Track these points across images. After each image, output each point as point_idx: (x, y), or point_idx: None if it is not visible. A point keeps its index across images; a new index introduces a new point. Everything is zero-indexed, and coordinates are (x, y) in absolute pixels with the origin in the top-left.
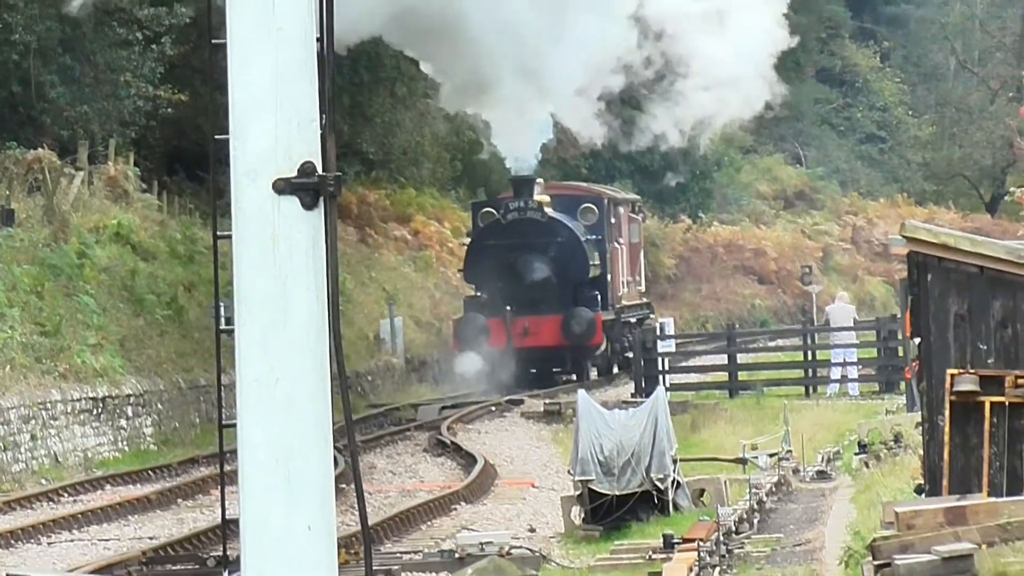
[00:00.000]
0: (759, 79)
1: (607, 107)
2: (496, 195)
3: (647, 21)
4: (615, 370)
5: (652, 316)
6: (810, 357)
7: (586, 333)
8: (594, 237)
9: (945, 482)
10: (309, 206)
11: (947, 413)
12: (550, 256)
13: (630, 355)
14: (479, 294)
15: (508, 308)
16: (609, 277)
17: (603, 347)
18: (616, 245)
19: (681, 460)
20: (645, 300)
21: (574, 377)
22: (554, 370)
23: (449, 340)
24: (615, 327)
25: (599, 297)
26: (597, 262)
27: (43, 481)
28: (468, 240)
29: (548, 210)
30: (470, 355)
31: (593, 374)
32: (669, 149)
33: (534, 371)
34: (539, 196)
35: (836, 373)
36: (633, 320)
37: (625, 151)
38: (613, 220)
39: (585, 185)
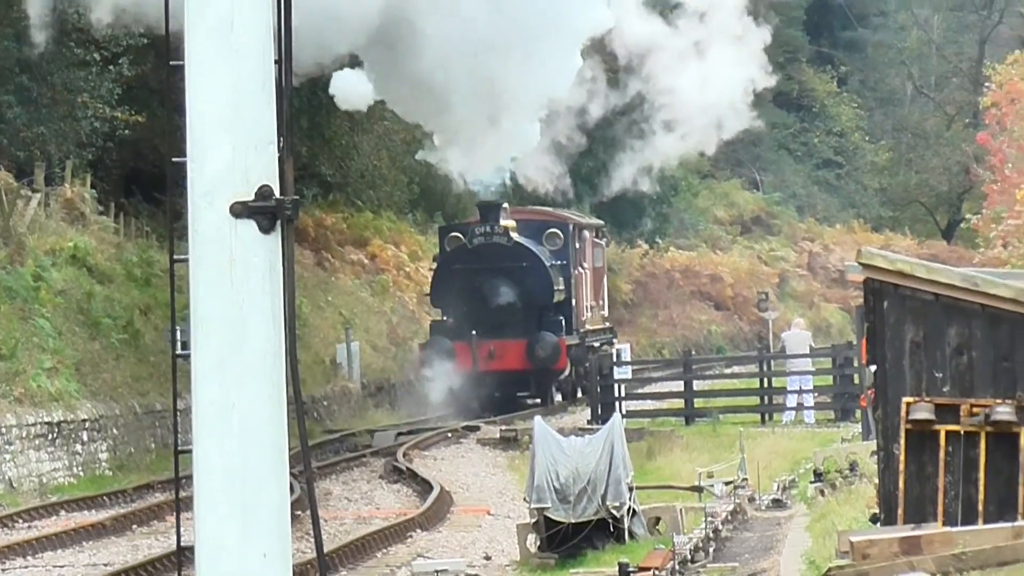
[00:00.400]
0: (731, 112)
1: (568, 144)
2: (454, 219)
3: (615, 54)
4: (579, 394)
5: (615, 340)
6: (766, 384)
7: (550, 357)
8: (559, 262)
9: (900, 511)
10: (266, 230)
11: (902, 441)
12: (515, 280)
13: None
14: (445, 318)
15: (474, 332)
16: (574, 302)
17: (567, 371)
18: (580, 270)
19: (637, 488)
20: (608, 325)
21: (539, 401)
22: (519, 394)
23: (413, 363)
24: (579, 351)
25: (563, 322)
26: (562, 287)
27: None
28: (435, 264)
29: (514, 235)
30: (436, 378)
31: (558, 398)
32: (634, 189)
33: (498, 395)
34: (505, 221)
35: (792, 401)
36: (596, 344)
37: (589, 195)
38: (578, 245)
39: (551, 210)
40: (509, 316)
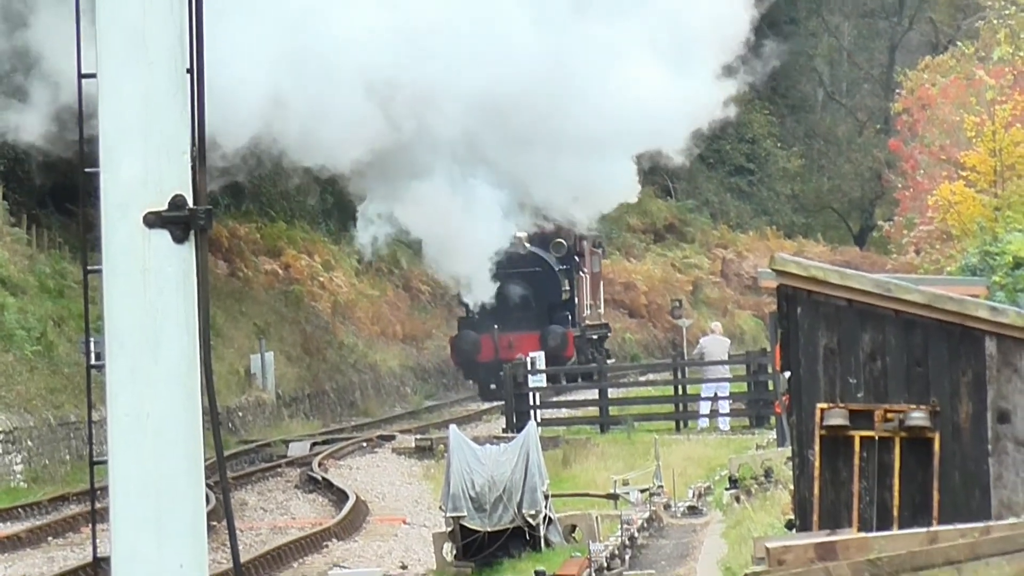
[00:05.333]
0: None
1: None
2: None
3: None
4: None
5: (609, 335)
6: (681, 391)
7: (560, 346)
8: (564, 267)
9: (815, 517)
10: (180, 239)
11: (817, 447)
12: (529, 282)
13: (592, 365)
14: (471, 314)
15: (495, 326)
16: (576, 300)
17: (573, 359)
18: (582, 274)
19: (553, 496)
20: (604, 321)
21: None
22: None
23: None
24: (581, 342)
25: (569, 316)
26: (567, 288)
27: None
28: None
29: (527, 244)
30: (463, 365)
31: (563, 381)
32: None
33: None
34: (519, 233)
35: (705, 408)
36: (595, 337)
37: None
38: (579, 253)
39: (557, 223)
40: (524, 312)
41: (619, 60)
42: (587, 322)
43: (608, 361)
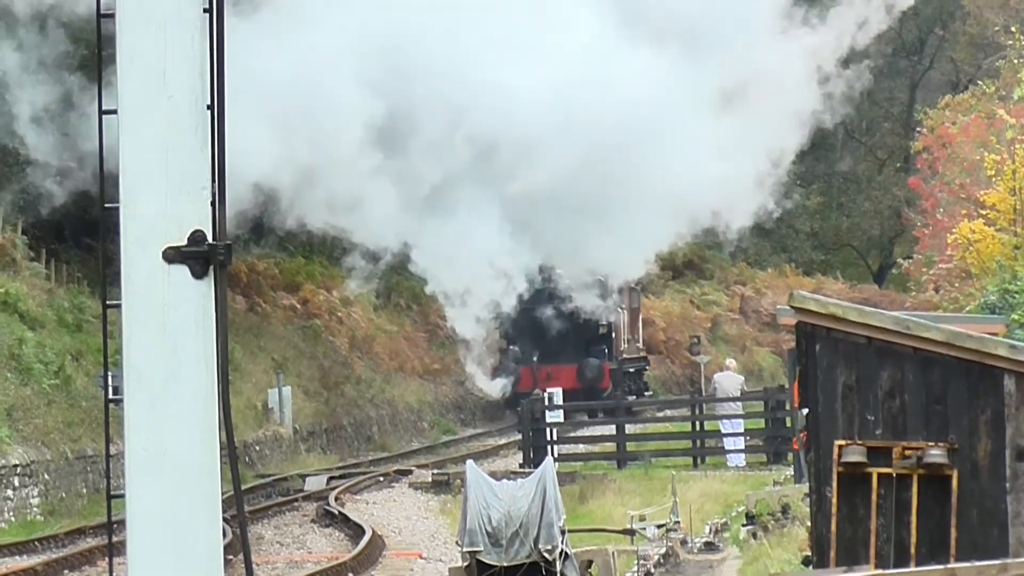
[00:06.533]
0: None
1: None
2: None
3: None
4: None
5: (648, 367)
6: (698, 427)
7: (596, 378)
8: (602, 302)
9: (832, 554)
10: (199, 275)
11: (834, 484)
12: (568, 316)
13: (631, 397)
14: (513, 347)
15: (535, 359)
16: (613, 334)
17: (609, 390)
18: (620, 309)
19: (569, 531)
20: (643, 354)
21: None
22: None
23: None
24: (617, 374)
25: (606, 350)
26: (604, 322)
27: None
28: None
29: (567, 281)
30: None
31: (600, 414)
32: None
33: None
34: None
35: (730, 444)
36: (632, 370)
37: None
38: (617, 288)
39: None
40: (563, 345)
41: (679, 129)
42: (624, 355)
43: (646, 393)
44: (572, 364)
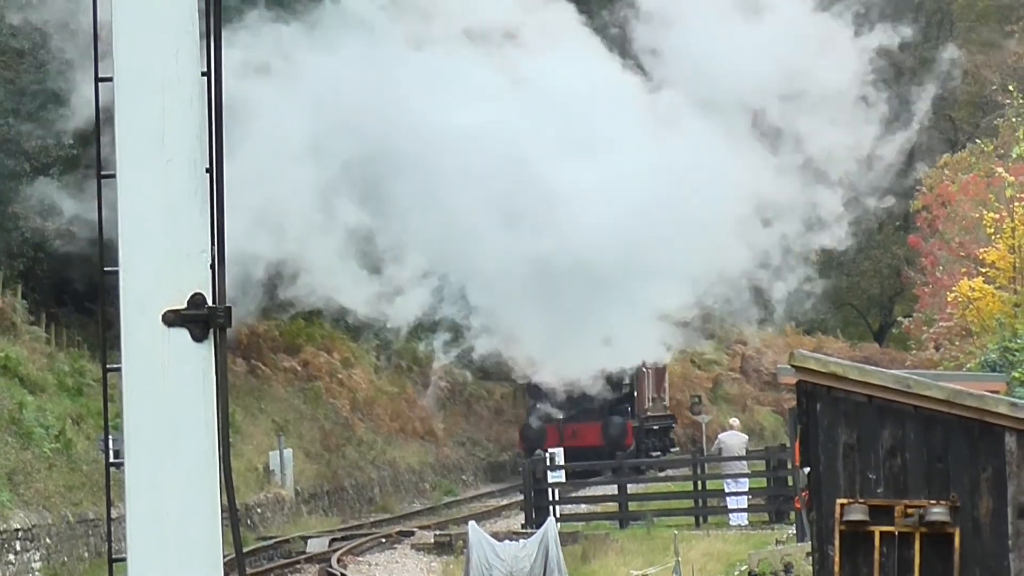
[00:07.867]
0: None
1: None
2: None
3: None
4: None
5: (674, 425)
6: (700, 487)
7: (620, 436)
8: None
9: None
10: (199, 338)
11: (837, 543)
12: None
13: (655, 454)
14: (538, 406)
15: (559, 418)
16: (636, 394)
17: (632, 447)
18: (644, 370)
19: None
20: (669, 413)
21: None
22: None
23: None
24: (640, 432)
25: (629, 409)
26: (627, 382)
27: None
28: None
29: None
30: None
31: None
32: None
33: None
34: None
35: (733, 503)
36: (656, 428)
37: None
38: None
39: None
40: (587, 403)
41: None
42: (648, 413)
43: (672, 450)
44: (597, 422)
